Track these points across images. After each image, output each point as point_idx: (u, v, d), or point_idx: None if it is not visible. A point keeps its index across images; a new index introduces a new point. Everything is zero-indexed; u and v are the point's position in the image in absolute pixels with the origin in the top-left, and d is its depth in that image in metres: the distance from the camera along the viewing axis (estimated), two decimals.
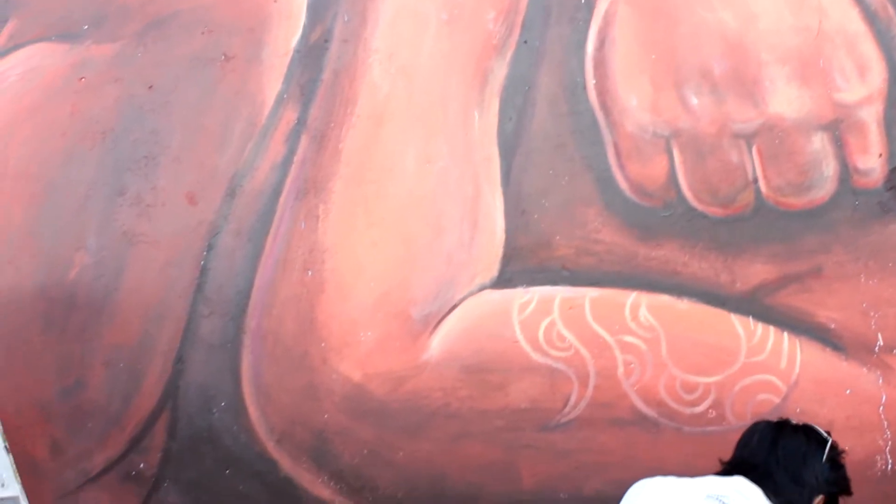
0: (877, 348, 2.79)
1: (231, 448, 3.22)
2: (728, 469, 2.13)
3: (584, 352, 2.97)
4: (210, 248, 3.34)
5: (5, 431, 2.81)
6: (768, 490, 2.02)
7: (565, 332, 2.99)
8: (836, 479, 2.12)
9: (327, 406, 3.16)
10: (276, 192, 3.33)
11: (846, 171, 2.90)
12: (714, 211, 2.97)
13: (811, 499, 2.07)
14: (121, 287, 3.40)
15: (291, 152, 3.34)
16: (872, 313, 2.81)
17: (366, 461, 3.11)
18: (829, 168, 2.91)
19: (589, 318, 2.99)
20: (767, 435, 2.15)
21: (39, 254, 3.47)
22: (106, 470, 3.33)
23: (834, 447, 2.14)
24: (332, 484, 3.13)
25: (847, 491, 2.16)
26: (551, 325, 3.00)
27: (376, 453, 3.10)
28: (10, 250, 3.51)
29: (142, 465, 3.30)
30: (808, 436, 2.14)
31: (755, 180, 2.95)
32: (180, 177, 3.43)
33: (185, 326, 3.31)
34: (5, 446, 2.78)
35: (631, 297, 2.97)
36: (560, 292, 3.02)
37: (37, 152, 3.57)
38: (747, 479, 2.04)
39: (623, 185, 3.05)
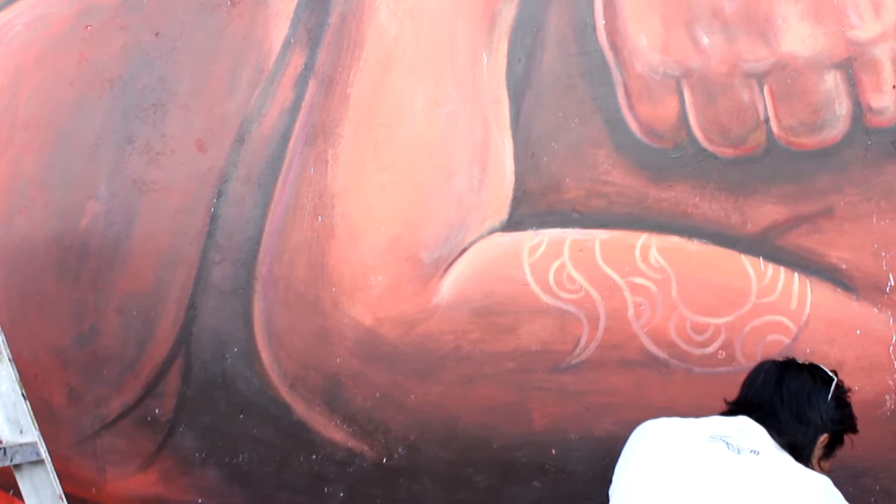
0: (888, 289, 2.78)
1: (244, 393, 3.25)
2: (733, 409, 2.13)
3: (594, 294, 2.97)
4: (220, 194, 3.34)
5: (22, 378, 2.85)
6: (773, 429, 2.02)
7: (575, 275, 2.99)
8: (842, 417, 2.12)
9: (339, 350, 3.18)
10: (285, 137, 3.32)
11: (859, 110, 2.86)
12: (725, 151, 2.94)
13: (815, 437, 2.07)
14: (132, 235, 3.41)
15: (299, 97, 3.33)
16: (884, 254, 2.80)
17: (378, 404, 3.13)
18: (842, 107, 2.87)
19: (599, 260, 2.98)
20: (773, 374, 2.15)
21: (51, 203, 3.49)
22: (122, 415, 3.37)
23: (839, 386, 2.13)
24: (344, 427, 3.16)
25: (853, 429, 2.16)
26: (561, 268, 3.00)
27: (388, 396, 3.12)
28: (21, 200, 3.53)
29: (157, 411, 3.34)
30: (814, 375, 2.14)
31: (766, 120, 2.92)
32: (189, 124, 3.42)
33: (196, 273, 3.33)
34: (22, 393, 2.81)
35: (641, 238, 2.97)
36: (570, 234, 3.02)
37: (45, 102, 3.57)
38: (752, 418, 2.05)
39: (633, 126, 3.02)
